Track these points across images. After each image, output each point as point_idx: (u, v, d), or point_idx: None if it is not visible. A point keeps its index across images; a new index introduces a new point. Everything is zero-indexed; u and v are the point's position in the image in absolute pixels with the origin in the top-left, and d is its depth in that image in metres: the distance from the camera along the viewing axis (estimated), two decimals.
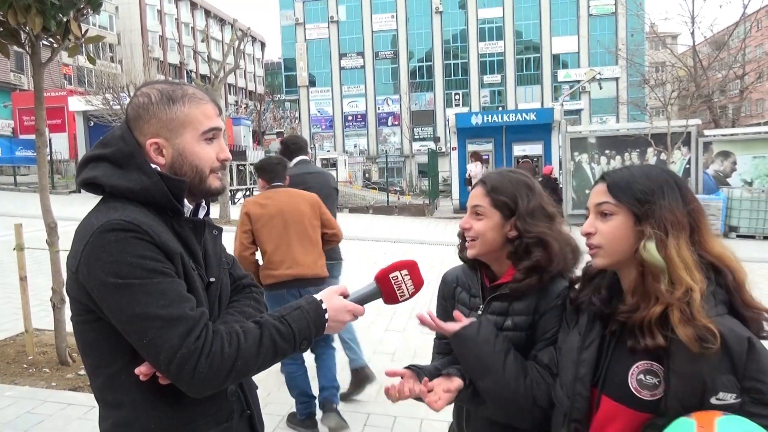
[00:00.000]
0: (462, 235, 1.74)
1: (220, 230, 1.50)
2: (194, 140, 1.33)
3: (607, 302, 1.38)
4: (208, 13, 68.10)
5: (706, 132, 15.71)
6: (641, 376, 1.27)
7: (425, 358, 1.81)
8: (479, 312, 1.64)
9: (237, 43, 14.87)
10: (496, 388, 1.49)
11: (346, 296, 1.41)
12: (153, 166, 1.31)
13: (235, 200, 20.53)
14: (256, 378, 1.38)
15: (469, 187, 14.88)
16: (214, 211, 13.23)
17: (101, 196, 1.32)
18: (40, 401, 3.90)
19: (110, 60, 42.01)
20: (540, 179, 12.16)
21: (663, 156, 14.23)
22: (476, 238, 1.60)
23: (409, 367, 1.58)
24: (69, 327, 4.57)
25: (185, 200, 1.35)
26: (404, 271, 1.43)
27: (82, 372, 4.36)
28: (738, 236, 13.46)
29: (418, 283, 1.45)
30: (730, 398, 1.17)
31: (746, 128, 20.50)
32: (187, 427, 1.30)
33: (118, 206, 1.26)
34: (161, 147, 1.32)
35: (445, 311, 1.78)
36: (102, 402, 1.33)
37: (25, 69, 39.30)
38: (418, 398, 1.53)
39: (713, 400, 1.17)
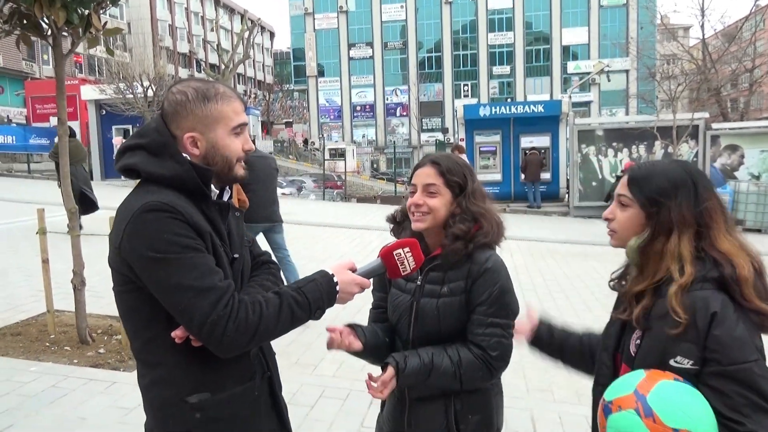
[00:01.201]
0: (393, 218, 1.92)
1: (242, 212, 1.68)
2: (225, 134, 1.49)
3: (620, 281, 1.59)
4: (217, 2, 68.10)
5: (714, 125, 15.70)
6: (638, 341, 1.44)
7: None
8: (417, 282, 1.82)
9: (247, 33, 14.99)
10: (437, 383, 1.73)
11: (354, 270, 1.56)
12: (184, 155, 1.46)
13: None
14: None
15: None
16: None
17: (135, 182, 1.49)
18: (63, 376, 4.10)
19: (121, 49, 42.18)
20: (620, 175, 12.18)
21: (670, 149, 14.27)
22: (429, 213, 1.77)
23: (349, 325, 1.80)
24: (89, 308, 4.78)
25: (212, 186, 1.50)
26: (406, 248, 1.60)
27: (102, 350, 4.56)
28: (744, 230, 13.49)
29: (418, 259, 1.61)
30: (686, 363, 1.31)
31: (754, 122, 20.43)
32: (214, 385, 1.47)
33: (154, 190, 1.41)
34: (196, 140, 1.47)
35: (381, 282, 1.98)
36: (141, 361, 1.50)
37: (37, 58, 39.58)
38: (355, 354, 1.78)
39: (672, 362, 1.32)
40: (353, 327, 1.80)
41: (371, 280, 1.59)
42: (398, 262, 1.59)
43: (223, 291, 1.36)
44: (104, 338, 4.79)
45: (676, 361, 1.32)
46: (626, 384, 1.31)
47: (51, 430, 3.42)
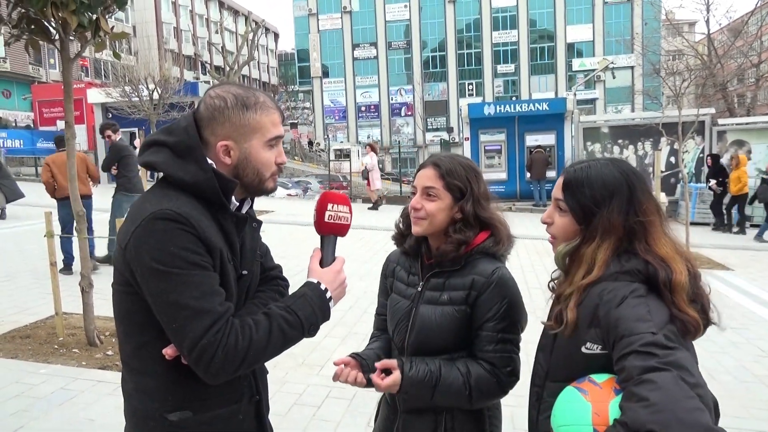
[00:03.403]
0: (404, 221, 1.84)
1: (260, 223, 1.59)
2: (260, 146, 1.42)
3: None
4: (221, 4, 68.32)
5: (721, 121, 15.63)
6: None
7: None
8: (418, 288, 1.76)
9: (251, 35, 15.03)
10: (445, 399, 1.66)
11: (321, 259, 1.52)
12: (210, 162, 1.39)
13: None
14: (275, 359, 1.49)
15: (367, 180, 14.88)
16: None
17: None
18: (72, 378, 4.13)
19: (127, 52, 42.40)
20: (765, 175, 11.97)
21: (676, 145, 14.20)
22: (426, 218, 1.69)
23: (353, 356, 1.74)
24: (97, 310, 4.81)
25: (232, 197, 1.44)
26: (329, 206, 1.51)
27: (110, 352, 4.59)
28: (752, 225, 13.41)
29: (344, 202, 1.54)
30: (596, 348, 1.30)
31: (761, 117, 20.30)
32: (198, 402, 1.41)
33: (172, 195, 1.35)
34: (230, 149, 1.40)
35: (384, 288, 1.93)
36: (127, 366, 1.44)
37: (44, 62, 39.82)
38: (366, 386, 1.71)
39: (583, 350, 1.32)
40: (358, 358, 1.74)
41: (340, 256, 1.54)
42: (336, 221, 1.52)
43: (219, 315, 1.30)
44: (112, 340, 4.82)
45: (586, 348, 1.32)
46: (579, 422, 1.22)
47: None
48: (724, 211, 12.82)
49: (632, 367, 1.14)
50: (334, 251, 1.53)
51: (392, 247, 1.94)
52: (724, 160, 13.46)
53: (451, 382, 1.64)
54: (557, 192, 1.47)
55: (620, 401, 1.15)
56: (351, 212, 1.55)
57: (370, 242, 10.02)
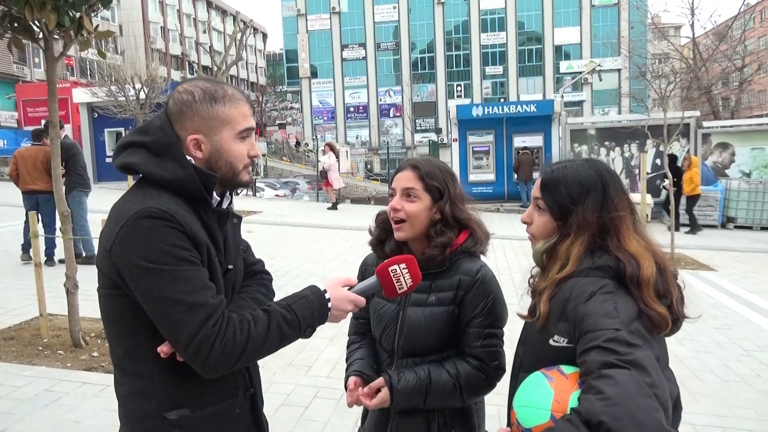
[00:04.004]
0: (378, 226, 1.86)
1: (240, 218, 1.59)
2: (231, 138, 1.42)
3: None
4: (209, 3, 67.96)
5: (705, 123, 15.80)
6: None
7: None
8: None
9: (239, 35, 14.97)
10: (437, 401, 1.71)
11: (351, 286, 1.51)
12: (188, 158, 1.39)
13: (238, 191, 20.62)
14: (263, 360, 1.49)
15: (326, 179, 14.85)
16: None
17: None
18: (57, 380, 4.09)
19: (113, 51, 42.01)
20: None
21: (661, 147, 14.34)
22: (406, 220, 1.72)
23: (357, 375, 1.79)
24: (82, 312, 4.76)
25: (213, 192, 1.44)
26: (402, 265, 1.51)
27: (96, 353, 4.55)
28: (735, 227, 13.60)
29: (415, 277, 1.53)
30: (563, 341, 1.34)
31: (745, 120, 20.56)
32: (195, 400, 1.41)
33: (153, 194, 1.34)
34: (200, 142, 1.40)
35: None
36: (120, 369, 1.43)
37: (28, 61, 39.37)
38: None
39: (551, 342, 1.36)
40: (363, 375, 1.78)
41: (365, 298, 1.52)
42: (394, 279, 1.51)
43: (214, 308, 1.30)
44: (97, 341, 4.78)
45: (554, 340, 1.36)
46: (539, 405, 1.26)
47: None
48: (683, 212, 12.97)
49: (592, 362, 1.18)
50: (366, 293, 1.52)
51: None
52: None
53: (443, 385, 1.69)
54: (536, 192, 1.53)
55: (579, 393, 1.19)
56: (410, 290, 1.54)
57: (358, 242, 10.02)
